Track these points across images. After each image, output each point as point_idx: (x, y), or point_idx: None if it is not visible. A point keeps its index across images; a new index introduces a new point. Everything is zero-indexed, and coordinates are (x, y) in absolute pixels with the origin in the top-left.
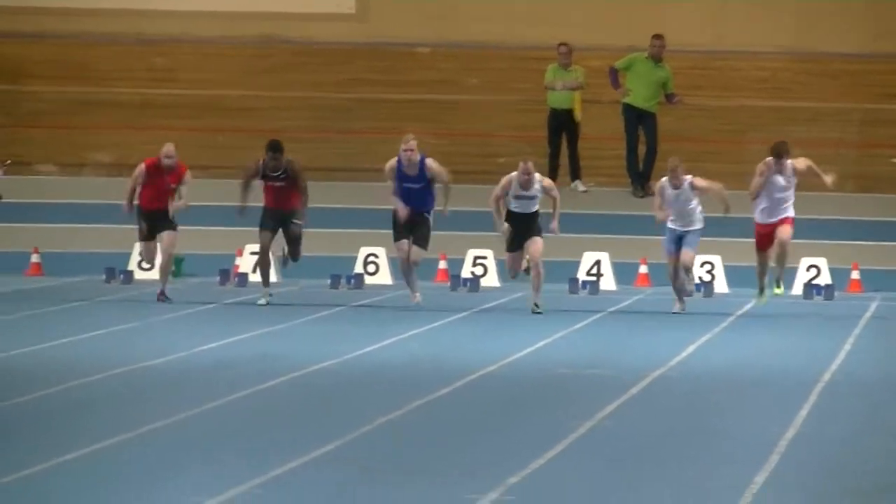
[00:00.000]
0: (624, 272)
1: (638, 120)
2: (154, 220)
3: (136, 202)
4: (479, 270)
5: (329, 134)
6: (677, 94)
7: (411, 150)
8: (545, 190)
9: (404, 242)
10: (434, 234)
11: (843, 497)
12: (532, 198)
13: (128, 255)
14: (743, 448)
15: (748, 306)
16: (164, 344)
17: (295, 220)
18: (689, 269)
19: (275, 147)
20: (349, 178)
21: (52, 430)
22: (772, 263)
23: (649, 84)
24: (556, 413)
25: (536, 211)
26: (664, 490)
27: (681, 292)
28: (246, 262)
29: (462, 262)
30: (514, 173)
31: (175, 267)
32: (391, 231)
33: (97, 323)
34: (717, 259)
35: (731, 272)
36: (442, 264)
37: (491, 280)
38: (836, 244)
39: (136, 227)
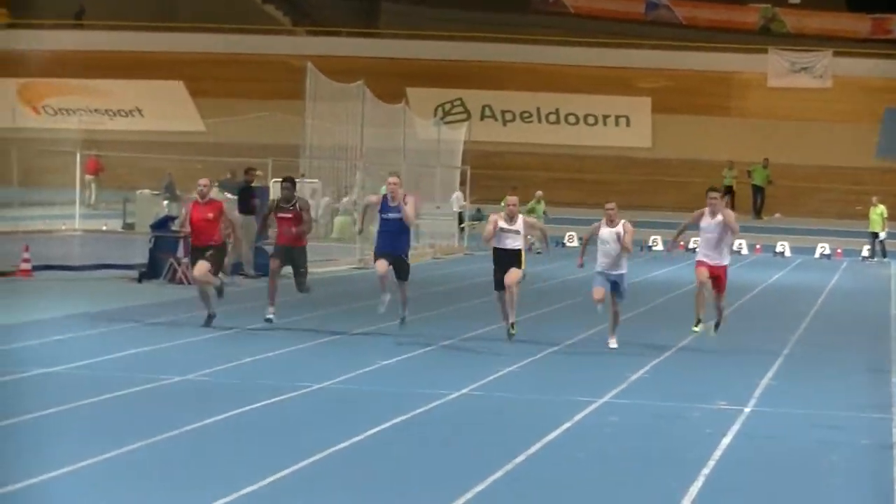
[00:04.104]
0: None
1: (756, 190)
2: (199, 251)
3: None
4: None
5: (642, 194)
6: (773, 181)
7: (395, 185)
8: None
9: (383, 262)
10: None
11: (837, 332)
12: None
13: None
14: (784, 317)
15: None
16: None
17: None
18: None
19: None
20: (653, 216)
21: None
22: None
23: (762, 176)
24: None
25: None
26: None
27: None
28: None
29: None
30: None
31: None
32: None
33: None
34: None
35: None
36: None
37: None
38: (835, 238)
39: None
